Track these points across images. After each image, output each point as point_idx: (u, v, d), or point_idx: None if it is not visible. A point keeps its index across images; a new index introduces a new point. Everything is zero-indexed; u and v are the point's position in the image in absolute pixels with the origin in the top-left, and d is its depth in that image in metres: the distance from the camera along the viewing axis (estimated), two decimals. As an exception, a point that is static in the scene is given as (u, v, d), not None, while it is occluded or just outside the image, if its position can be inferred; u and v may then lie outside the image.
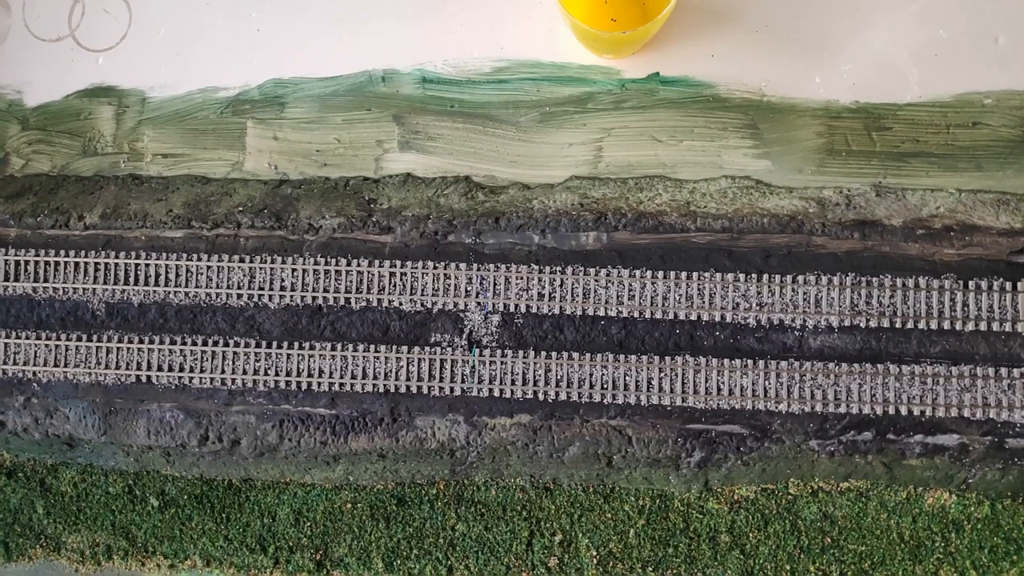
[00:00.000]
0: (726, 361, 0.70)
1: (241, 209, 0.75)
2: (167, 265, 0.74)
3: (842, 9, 0.74)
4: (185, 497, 0.77)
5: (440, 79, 0.77)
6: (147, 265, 0.74)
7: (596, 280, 0.71)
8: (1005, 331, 0.69)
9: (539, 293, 0.72)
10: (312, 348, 0.72)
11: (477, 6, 0.78)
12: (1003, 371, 0.69)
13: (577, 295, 0.71)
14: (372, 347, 0.72)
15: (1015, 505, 0.71)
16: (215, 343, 0.73)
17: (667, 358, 0.70)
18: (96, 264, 0.74)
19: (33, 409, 0.75)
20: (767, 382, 0.70)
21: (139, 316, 0.74)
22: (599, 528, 0.74)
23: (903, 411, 0.69)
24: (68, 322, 0.75)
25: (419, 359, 0.72)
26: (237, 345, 0.73)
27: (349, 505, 0.76)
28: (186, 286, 0.74)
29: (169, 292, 0.74)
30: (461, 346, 0.72)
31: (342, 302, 0.73)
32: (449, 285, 0.72)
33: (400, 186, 0.76)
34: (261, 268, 0.73)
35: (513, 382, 0.71)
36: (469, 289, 0.72)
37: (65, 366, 0.74)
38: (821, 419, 0.70)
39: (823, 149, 0.74)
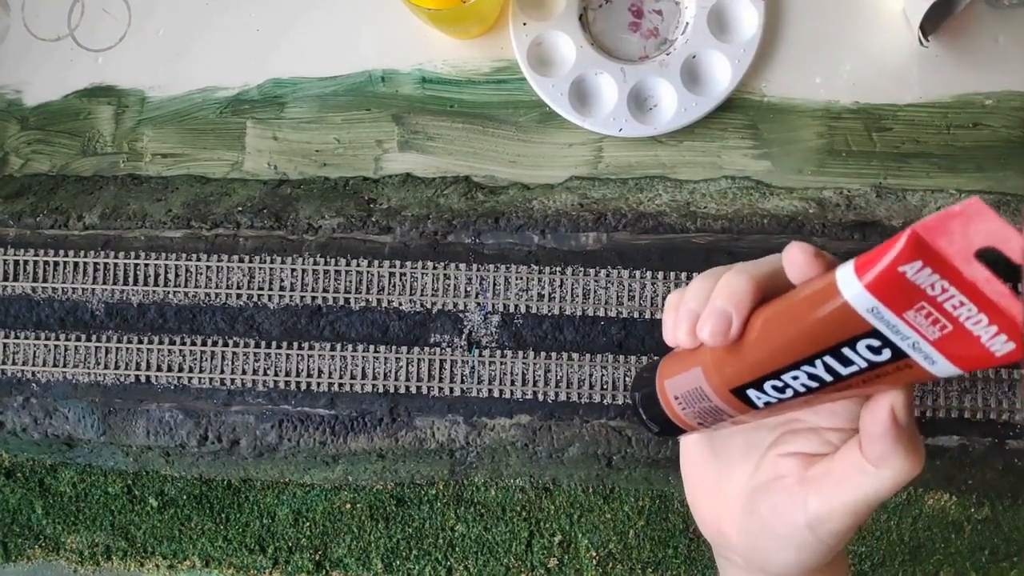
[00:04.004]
0: (726, 362, 0.70)
1: (240, 209, 0.75)
2: (166, 265, 0.74)
3: (842, 9, 0.74)
4: (184, 497, 0.77)
5: (440, 79, 0.77)
6: (146, 265, 0.74)
7: (596, 280, 0.71)
8: (1005, 332, 0.69)
9: (539, 293, 0.71)
10: (311, 348, 0.72)
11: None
12: (1003, 372, 0.69)
13: (577, 295, 0.71)
14: (372, 347, 0.72)
15: (1015, 506, 0.71)
16: (214, 343, 0.73)
17: (667, 359, 0.70)
18: (95, 264, 0.74)
19: (32, 409, 0.75)
20: (767, 383, 0.70)
21: (138, 316, 0.74)
22: (599, 529, 0.74)
23: (903, 412, 0.69)
24: (67, 322, 0.75)
25: (418, 359, 0.72)
26: (236, 345, 0.73)
27: (348, 505, 0.76)
28: (185, 286, 0.74)
29: (168, 292, 0.73)
30: (461, 346, 0.72)
31: (342, 302, 0.73)
32: (449, 285, 0.72)
33: (400, 186, 0.76)
34: (260, 268, 0.73)
35: (513, 382, 0.71)
36: (469, 289, 0.72)
37: (64, 366, 0.74)
38: (821, 420, 0.70)
39: (823, 150, 0.73)
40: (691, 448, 0.40)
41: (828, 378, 0.29)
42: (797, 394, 0.31)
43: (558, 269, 0.71)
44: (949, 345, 0.27)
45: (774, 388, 0.31)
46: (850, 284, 0.27)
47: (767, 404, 0.32)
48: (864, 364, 0.28)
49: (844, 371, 0.29)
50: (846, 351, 0.28)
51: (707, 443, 0.39)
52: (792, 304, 0.30)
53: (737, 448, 0.38)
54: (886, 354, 0.28)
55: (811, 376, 0.30)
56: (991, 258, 0.26)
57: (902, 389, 0.30)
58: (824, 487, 0.32)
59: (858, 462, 0.31)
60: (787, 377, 0.30)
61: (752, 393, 0.32)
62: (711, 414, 0.34)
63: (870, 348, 0.28)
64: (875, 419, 0.30)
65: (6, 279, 0.75)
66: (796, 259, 0.30)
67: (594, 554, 0.73)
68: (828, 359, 0.29)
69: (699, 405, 0.34)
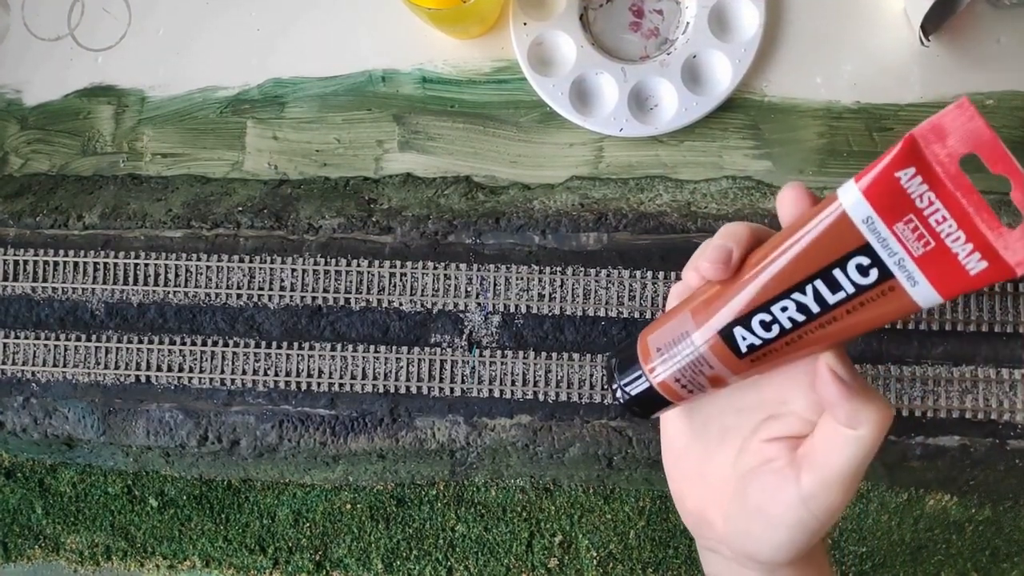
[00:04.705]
0: (727, 362, 0.70)
1: (241, 209, 0.75)
2: (167, 265, 0.74)
3: (843, 8, 0.74)
4: (184, 498, 0.77)
5: (440, 79, 0.77)
6: (146, 265, 0.74)
7: (596, 280, 0.71)
8: (1007, 332, 0.69)
9: (539, 294, 0.71)
10: (312, 348, 0.72)
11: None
12: (1004, 372, 0.69)
13: (577, 295, 0.71)
14: (372, 347, 0.72)
15: (1017, 507, 0.71)
16: (215, 343, 0.73)
17: (668, 359, 0.70)
18: (95, 264, 0.74)
19: (32, 409, 0.75)
20: (768, 383, 0.70)
21: (138, 316, 0.74)
22: (599, 529, 0.74)
23: (904, 412, 0.69)
24: (67, 322, 0.75)
25: (419, 359, 0.72)
26: (237, 345, 0.73)
27: (349, 506, 0.76)
28: (186, 286, 0.73)
29: (169, 292, 0.73)
30: (461, 347, 0.72)
31: (342, 302, 0.73)
32: (449, 285, 0.72)
33: (400, 186, 0.76)
34: (261, 268, 0.73)
35: (513, 383, 0.71)
36: (469, 289, 0.72)
37: (64, 366, 0.74)
38: (822, 420, 0.70)
39: (824, 149, 0.73)
40: (672, 438, 0.41)
41: (815, 308, 0.30)
42: (783, 332, 0.32)
43: (559, 269, 0.71)
44: (931, 263, 0.28)
45: (761, 324, 0.32)
46: (849, 192, 0.29)
47: (751, 348, 0.32)
48: (851, 289, 0.30)
49: (832, 298, 0.30)
50: (836, 273, 0.30)
51: (687, 431, 0.40)
52: (788, 229, 0.31)
53: (716, 435, 0.38)
54: (873, 275, 0.29)
55: (799, 307, 0.31)
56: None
57: (831, 349, 0.32)
58: (813, 462, 0.34)
59: (836, 429, 0.33)
60: (776, 309, 0.31)
61: (739, 332, 0.32)
62: (691, 367, 0.34)
63: (859, 268, 0.29)
64: (823, 384, 0.32)
65: (6, 279, 0.75)
66: (787, 194, 0.32)
67: (595, 554, 0.73)
68: (818, 283, 0.30)
69: (681, 355, 0.34)
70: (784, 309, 0.31)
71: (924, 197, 0.28)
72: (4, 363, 0.74)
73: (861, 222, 0.28)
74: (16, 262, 0.74)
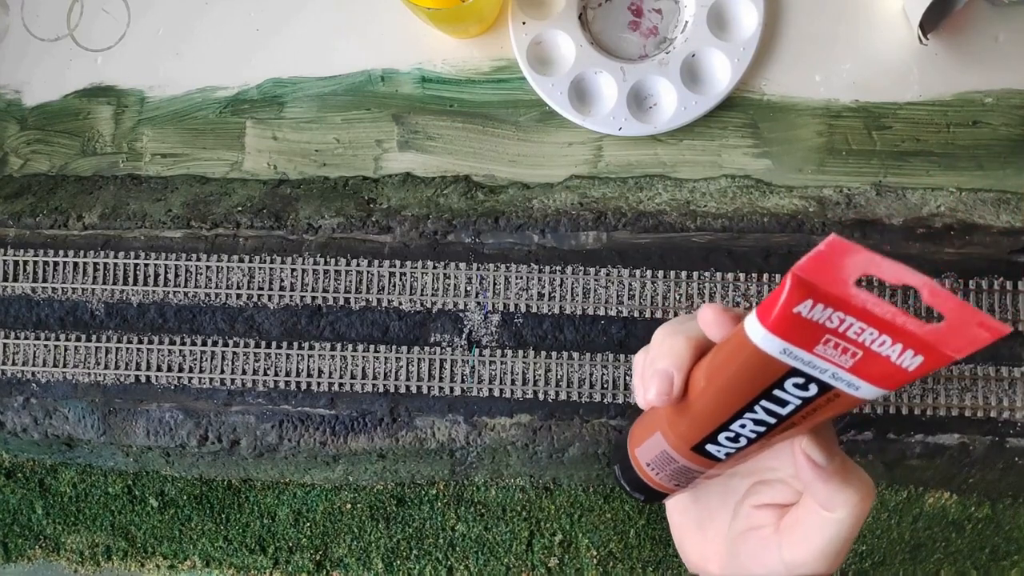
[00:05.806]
0: (726, 361, 0.70)
1: (240, 209, 0.75)
2: (166, 265, 0.74)
3: (842, 7, 0.74)
4: (184, 498, 0.77)
5: (439, 78, 0.77)
6: (146, 265, 0.74)
7: (596, 280, 0.71)
8: (1006, 330, 0.69)
9: (539, 293, 0.71)
10: (312, 348, 0.72)
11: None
12: (1004, 370, 0.69)
13: (577, 295, 0.71)
14: (372, 347, 0.72)
15: (1016, 505, 0.71)
16: (214, 343, 0.73)
17: (667, 358, 0.70)
18: (95, 264, 0.74)
19: (32, 409, 0.75)
20: (767, 382, 0.70)
21: (138, 316, 0.74)
22: (599, 528, 0.74)
23: (903, 410, 0.69)
24: (67, 322, 0.75)
25: (419, 359, 0.72)
26: (236, 345, 0.73)
27: (349, 505, 0.76)
28: (185, 286, 0.74)
29: (168, 292, 0.73)
30: (461, 346, 0.72)
31: (342, 302, 0.73)
32: (449, 285, 0.72)
33: (399, 186, 0.76)
34: (260, 268, 0.73)
35: (513, 382, 0.71)
36: (469, 289, 0.72)
37: (64, 366, 0.74)
38: (821, 419, 0.70)
39: (823, 148, 0.73)
40: (675, 497, 0.42)
41: (771, 420, 0.31)
42: (751, 440, 0.32)
43: (558, 268, 0.71)
44: (865, 369, 0.28)
45: (728, 439, 0.32)
46: (756, 331, 0.28)
47: (728, 455, 0.33)
48: (798, 401, 0.30)
49: (783, 411, 0.30)
50: (777, 392, 0.30)
51: (688, 492, 0.41)
52: (718, 359, 0.31)
53: (715, 493, 0.40)
54: (813, 389, 0.29)
55: (756, 422, 0.31)
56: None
57: (808, 432, 0.32)
58: (795, 537, 0.34)
59: (815, 509, 0.33)
60: (735, 427, 0.32)
61: (711, 448, 0.33)
62: (683, 474, 0.36)
63: (797, 386, 0.29)
64: (800, 468, 0.32)
65: (6, 279, 0.75)
66: (707, 318, 0.32)
67: (594, 553, 0.73)
68: (765, 403, 0.30)
69: (669, 468, 0.36)
70: (743, 426, 0.31)
71: (833, 318, 0.27)
72: (4, 363, 0.74)
73: (779, 353, 0.28)
74: (16, 262, 0.74)
